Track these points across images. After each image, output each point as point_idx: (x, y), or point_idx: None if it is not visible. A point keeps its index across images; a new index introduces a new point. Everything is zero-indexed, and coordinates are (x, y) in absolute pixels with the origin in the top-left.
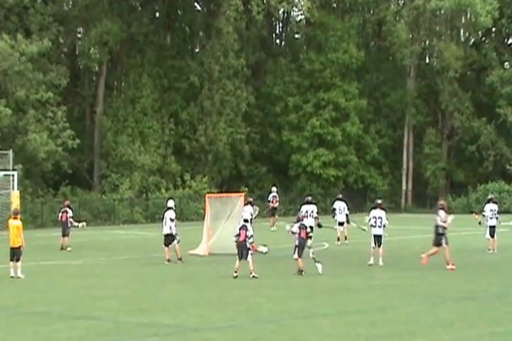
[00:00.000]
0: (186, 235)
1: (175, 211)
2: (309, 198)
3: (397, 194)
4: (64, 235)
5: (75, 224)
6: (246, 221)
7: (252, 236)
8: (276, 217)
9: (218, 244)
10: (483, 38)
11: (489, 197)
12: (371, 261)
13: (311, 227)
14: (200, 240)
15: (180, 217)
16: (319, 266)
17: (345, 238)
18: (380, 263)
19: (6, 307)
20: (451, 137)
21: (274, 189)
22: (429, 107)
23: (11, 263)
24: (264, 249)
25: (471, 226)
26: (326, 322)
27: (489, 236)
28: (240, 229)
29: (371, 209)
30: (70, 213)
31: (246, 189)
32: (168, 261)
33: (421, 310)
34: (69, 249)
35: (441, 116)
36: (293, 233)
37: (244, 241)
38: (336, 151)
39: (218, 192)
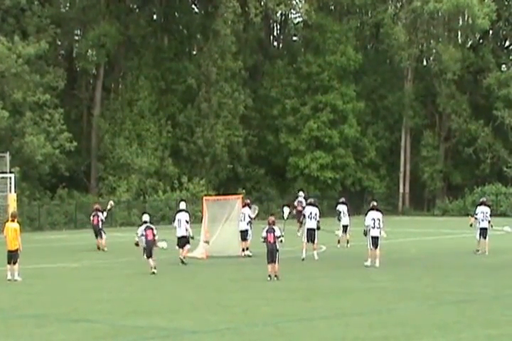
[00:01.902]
0: None
1: (188, 212)
2: (312, 200)
3: (394, 196)
4: (97, 236)
5: (106, 213)
6: (146, 222)
7: (156, 234)
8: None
9: (216, 247)
10: (481, 41)
11: (482, 199)
12: (368, 263)
13: (314, 230)
14: (198, 243)
15: None
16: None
17: (347, 242)
18: (377, 264)
19: (3, 309)
20: (448, 139)
21: (301, 193)
22: (427, 109)
23: (8, 266)
24: (164, 245)
25: (468, 228)
26: (323, 324)
27: (479, 238)
28: (145, 230)
29: (368, 211)
30: (101, 216)
31: (243, 191)
32: (182, 262)
33: (418, 313)
34: (105, 249)
35: (438, 118)
36: (263, 238)
37: (153, 239)
38: (334, 154)
39: (216, 195)
